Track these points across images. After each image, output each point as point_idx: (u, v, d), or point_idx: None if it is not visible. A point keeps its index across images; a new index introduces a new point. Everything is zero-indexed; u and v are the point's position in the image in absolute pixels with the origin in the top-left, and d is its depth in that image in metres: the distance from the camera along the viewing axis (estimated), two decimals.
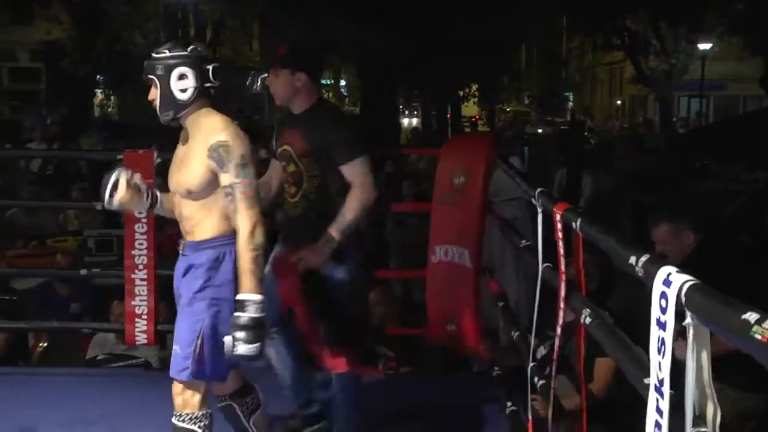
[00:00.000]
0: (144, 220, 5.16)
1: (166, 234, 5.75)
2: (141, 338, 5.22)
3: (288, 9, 16.34)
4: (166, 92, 3.34)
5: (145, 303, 5.16)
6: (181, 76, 3.32)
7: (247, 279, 3.20)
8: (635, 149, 12.76)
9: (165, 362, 5.84)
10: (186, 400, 3.45)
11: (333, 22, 15.69)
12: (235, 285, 3.31)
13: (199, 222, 3.35)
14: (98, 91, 27.57)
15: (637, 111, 42.02)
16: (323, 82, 31.82)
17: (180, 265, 3.45)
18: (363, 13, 14.93)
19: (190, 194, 3.33)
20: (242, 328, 3.15)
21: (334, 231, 3.80)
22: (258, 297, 3.19)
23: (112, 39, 23.71)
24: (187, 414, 3.45)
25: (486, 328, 4.60)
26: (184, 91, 3.34)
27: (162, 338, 5.49)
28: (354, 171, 3.86)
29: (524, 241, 4.03)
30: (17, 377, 5.26)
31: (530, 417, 3.67)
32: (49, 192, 10.39)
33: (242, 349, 3.15)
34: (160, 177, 5.41)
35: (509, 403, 4.23)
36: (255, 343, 3.17)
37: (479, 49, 18.70)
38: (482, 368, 4.97)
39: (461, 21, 16.41)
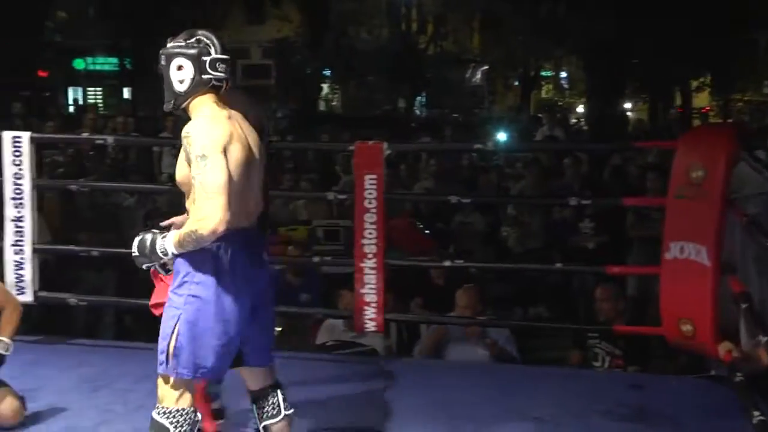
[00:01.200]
0: (374, 210, 5.24)
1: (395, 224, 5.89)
2: (370, 326, 5.33)
3: (512, 1, 16.24)
4: (168, 82, 3.38)
5: (374, 291, 5.25)
6: (179, 67, 3.34)
7: (172, 234, 3.24)
8: None
9: (391, 350, 5.99)
10: (163, 393, 3.38)
11: (560, 13, 15.45)
12: (220, 282, 3.27)
13: (189, 215, 3.32)
14: (324, 86, 28.45)
15: None
16: (544, 74, 31.54)
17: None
18: (593, 2, 14.63)
19: (181, 186, 3.33)
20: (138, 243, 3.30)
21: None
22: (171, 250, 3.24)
23: (338, 35, 24.48)
24: (163, 408, 3.36)
25: (725, 330, 4.40)
26: (181, 81, 3.35)
27: (388, 327, 5.64)
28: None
29: None
30: None
31: None
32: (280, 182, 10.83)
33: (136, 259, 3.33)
34: (389, 168, 5.55)
35: (757, 413, 4.01)
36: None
37: (711, 34, 17.80)
38: (721, 372, 4.73)
39: (692, 6, 15.69)
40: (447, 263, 5.92)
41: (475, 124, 21.77)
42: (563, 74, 34.28)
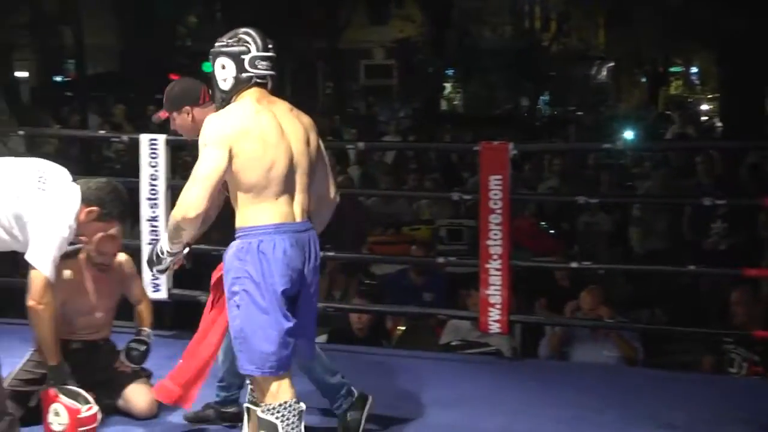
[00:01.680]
0: (499, 211, 5.22)
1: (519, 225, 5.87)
2: (494, 327, 5.30)
3: None
4: (214, 81, 3.46)
5: (499, 292, 5.22)
6: (223, 66, 3.42)
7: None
8: None
9: (516, 351, 5.96)
10: (260, 392, 3.42)
11: (692, 5, 14.95)
12: (264, 275, 3.28)
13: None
14: (447, 85, 28.47)
15: None
16: (673, 69, 30.64)
17: None
18: None
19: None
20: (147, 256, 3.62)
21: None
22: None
23: (461, 34, 24.45)
24: (266, 405, 3.38)
25: None
26: (225, 80, 3.43)
27: (513, 328, 5.61)
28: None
29: None
30: (380, 357, 5.53)
31: None
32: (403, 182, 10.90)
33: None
34: (513, 168, 5.52)
35: None
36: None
37: None
38: None
39: None
40: (574, 264, 5.86)
41: (599, 123, 21.41)
42: (694, 69, 33.31)
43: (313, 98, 28.77)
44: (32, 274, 3.62)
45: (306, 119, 3.49)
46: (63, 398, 3.72)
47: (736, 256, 7.10)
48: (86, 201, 3.81)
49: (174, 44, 23.10)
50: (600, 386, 4.93)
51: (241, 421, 3.87)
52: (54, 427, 3.72)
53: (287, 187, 3.35)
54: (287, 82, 29.41)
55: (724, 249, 7.53)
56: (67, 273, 4.15)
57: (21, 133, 8.40)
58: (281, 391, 3.37)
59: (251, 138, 3.27)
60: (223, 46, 3.43)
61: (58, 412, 3.73)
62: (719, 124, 19.94)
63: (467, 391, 4.85)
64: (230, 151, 3.25)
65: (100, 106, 17.54)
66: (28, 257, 3.63)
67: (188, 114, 3.96)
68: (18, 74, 21.05)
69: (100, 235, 4.02)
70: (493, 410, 4.57)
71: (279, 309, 3.31)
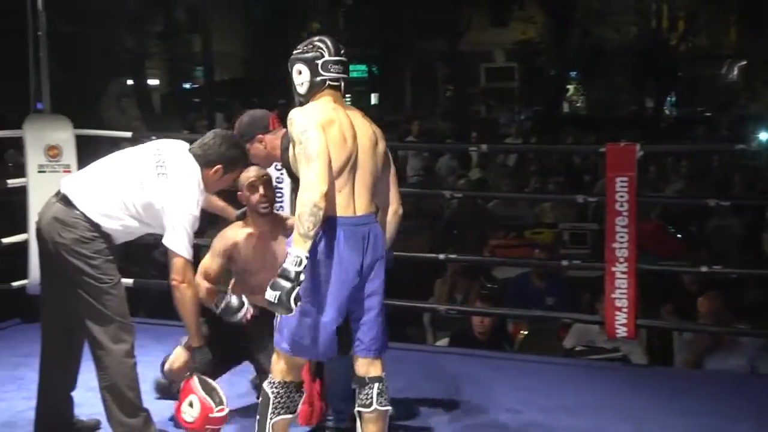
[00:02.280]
0: (625, 213, 5.17)
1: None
2: (621, 331, 5.24)
3: None
4: (293, 88, 3.60)
5: (626, 296, 5.17)
6: (299, 72, 3.57)
7: (291, 240, 3.33)
8: None
9: (643, 357, 5.85)
10: (274, 366, 3.57)
11: None
12: (316, 266, 3.38)
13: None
14: (569, 87, 28.15)
15: None
16: None
17: None
18: None
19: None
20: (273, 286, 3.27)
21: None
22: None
23: (584, 34, 24.14)
24: (271, 379, 3.55)
25: None
26: (301, 84, 3.56)
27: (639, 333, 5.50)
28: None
29: None
30: (500, 361, 5.55)
31: None
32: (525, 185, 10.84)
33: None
34: (640, 171, 5.42)
35: None
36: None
37: None
38: None
39: None
40: (704, 269, 5.72)
41: (729, 123, 20.79)
42: None
43: (433, 101, 28.96)
44: (170, 256, 3.77)
45: (376, 128, 3.62)
46: (200, 391, 3.84)
47: None
48: (206, 163, 3.90)
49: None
50: (733, 396, 4.81)
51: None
52: (185, 416, 3.85)
53: (350, 182, 3.47)
54: (407, 85, 29.67)
55: None
56: (247, 241, 4.27)
57: (153, 138, 8.71)
58: (290, 371, 3.54)
59: (335, 127, 3.42)
60: (299, 53, 3.59)
61: (192, 404, 3.84)
62: None
63: (592, 397, 4.83)
64: (325, 133, 3.38)
65: (226, 111, 18.09)
66: (165, 242, 3.78)
67: (261, 142, 4.10)
68: (150, 82, 21.90)
69: (244, 185, 4.15)
70: (620, 417, 4.52)
71: (338, 298, 3.45)
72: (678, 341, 6.08)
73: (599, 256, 5.44)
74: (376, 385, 3.59)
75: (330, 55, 3.56)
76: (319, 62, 3.55)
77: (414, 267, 7.45)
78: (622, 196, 5.17)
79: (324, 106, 3.50)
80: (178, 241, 3.75)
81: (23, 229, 5.87)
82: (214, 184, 3.97)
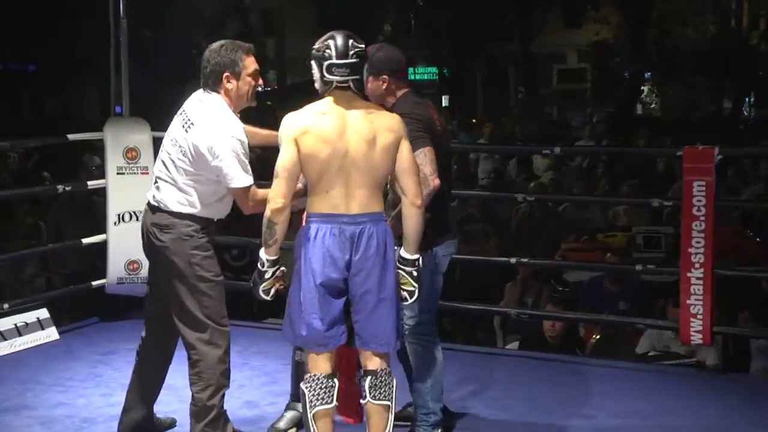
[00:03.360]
0: (702, 218, 5.10)
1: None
2: (696, 338, 5.17)
3: None
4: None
5: (701, 302, 5.10)
6: (313, 69, 3.71)
7: None
8: None
9: (718, 365, 5.75)
10: (306, 362, 3.73)
11: None
12: (305, 261, 3.57)
13: None
14: (644, 88, 27.81)
15: None
16: None
17: None
18: None
19: None
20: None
21: (392, 218, 3.88)
22: None
23: (660, 35, 23.82)
24: (306, 375, 3.70)
25: None
26: (316, 81, 3.72)
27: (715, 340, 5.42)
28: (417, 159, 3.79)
29: None
30: (572, 365, 5.50)
31: None
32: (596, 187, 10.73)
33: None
34: (718, 174, 5.34)
35: None
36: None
37: None
38: None
39: None
40: None
41: None
42: None
43: (505, 103, 28.86)
44: (235, 195, 3.85)
45: (384, 122, 3.66)
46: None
47: None
48: (228, 73, 3.90)
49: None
50: None
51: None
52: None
53: (341, 182, 3.57)
54: (479, 86, 29.63)
55: None
56: None
57: None
58: (315, 364, 3.66)
59: (311, 135, 3.56)
60: (314, 49, 3.69)
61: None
62: None
63: (666, 402, 4.79)
64: (297, 146, 3.56)
65: None
66: (229, 187, 3.83)
67: (383, 82, 4.06)
68: None
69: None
70: (693, 423, 4.49)
71: (315, 290, 3.57)
72: (755, 348, 5.97)
73: (674, 261, 5.37)
74: (369, 378, 3.67)
75: (336, 58, 3.61)
76: (325, 64, 3.63)
77: (484, 270, 7.46)
78: (699, 200, 5.11)
79: (315, 110, 3.64)
80: (234, 176, 3.78)
81: (102, 230, 6.02)
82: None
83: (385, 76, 4.04)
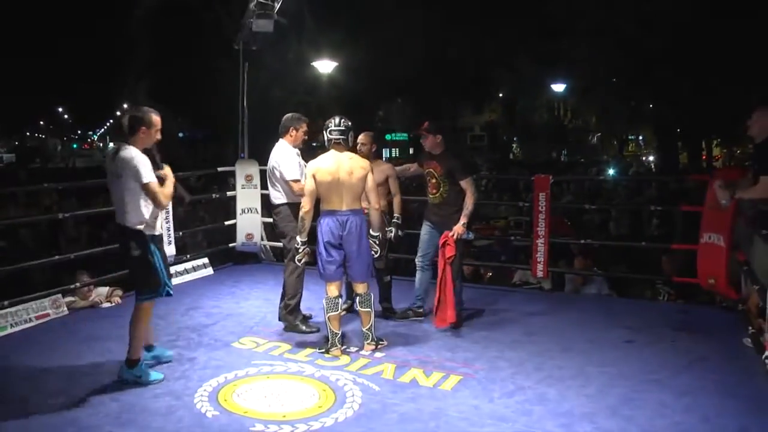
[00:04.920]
0: (543, 212, 4.93)
1: None
2: (540, 274, 4.91)
3: None
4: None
5: (542, 255, 4.86)
6: (323, 134, 3.54)
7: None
8: None
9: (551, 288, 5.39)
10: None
11: None
12: (320, 233, 3.42)
13: None
14: (513, 145, 27.81)
15: None
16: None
17: None
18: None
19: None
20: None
21: (464, 216, 3.80)
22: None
23: (522, 118, 23.73)
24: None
25: (736, 282, 4.10)
26: (324, 141, 3.57)
27: None
28: (466, 184, 3.84)
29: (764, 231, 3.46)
30: (478, 290, 5.08)
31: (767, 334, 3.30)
32: None
33: None
34: (552, 190, 4.99)
35: (750, 328, 3.79)
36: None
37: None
38: (730, 304, 4.42)
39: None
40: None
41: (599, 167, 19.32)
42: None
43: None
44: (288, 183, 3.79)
45: (358, 163, 3.51)
46: None
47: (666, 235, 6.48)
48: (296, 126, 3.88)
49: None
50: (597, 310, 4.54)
51: (420, 316, 4.10)
52: None
53: (337, 194, 3.50)
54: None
55: None
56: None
57: None
58: (329, 289, 3.57)
59: (321, 172, 3.50)
60: (324, 124, 3.57)
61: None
62: None
63: (523, 308, 4.53)
64: (314, 177, 3.50)
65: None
66: (286, 180, 3.81)
67: (436, 137, 3.99)
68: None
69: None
70: (538, 317, 4.33)
71: (325, 249, 3.50)
72: (567, 279, 5.66)
73: (529, 234, 5.09)
74: (358, 297, 3.59)
75: (334, 127, 3.51)
76: (328, 131, 3.54)
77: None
78: (542, 203, 4.84)
79: (324, 157, 3.53)
80: (288, 174, 3.82)
81: (234, 217, 5.93)
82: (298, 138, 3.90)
83: (440, 137, 4.05)
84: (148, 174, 3.07)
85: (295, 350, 3.76)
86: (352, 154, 3.60)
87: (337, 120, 3.55)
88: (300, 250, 3.57)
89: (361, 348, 3.66)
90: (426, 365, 3.51)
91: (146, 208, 3.13)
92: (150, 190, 3.07)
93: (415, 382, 3.31)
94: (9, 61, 22.44)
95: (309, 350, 3.74)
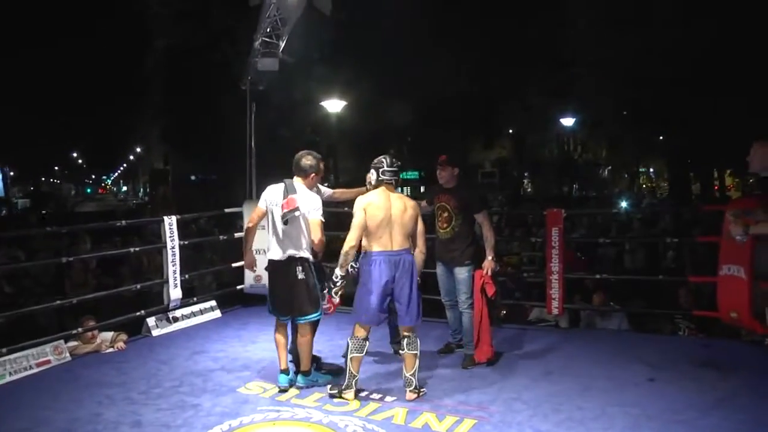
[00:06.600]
0: (557, 247, 4.86)
1: None
2: (555, 311, 4.89)
3: None
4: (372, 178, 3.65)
5: (557, 292, 4.84)
6: (372, 173, 3.62)
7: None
8: None
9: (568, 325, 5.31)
10: (354, 330, 3.52)
11: None
12: (370, 274, 3.40)
13: None
14: (525, 181, 27.94)
15: None
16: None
17: None
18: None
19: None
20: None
21: (491, 250, 3.84)
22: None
23: (533, 155, 23.94)
24: (351, 335, 3.51)
25: (760, 314, 3.96)
26: (373, 180, 3.64)
27: None
28: (483, 217, 3.88)
29: None
30: (498, 329, 4.77)
31: None
32: None
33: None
34: (564, 225, 4.94)
35: None
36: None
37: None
38: (755, 338, 4.32)
39: None
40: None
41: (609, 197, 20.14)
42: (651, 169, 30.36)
43: None
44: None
45: (409, 203, 3.56)
46: None
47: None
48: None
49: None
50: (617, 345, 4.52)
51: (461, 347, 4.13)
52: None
53: (387, 233, 3.48)
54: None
55: None
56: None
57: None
58: (359, 332, 3.53)
59: (373, 207, 3.49)
60: (374, 162, 3.64)
61: None
62: None
63: (540, 346, 4.50)
64: (365, 212, 3.48)
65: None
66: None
67: (454, 169, 4.06)
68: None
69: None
70: (556, 353, 4.32)
71: (374, 292, 3.45)
72: (583, 315, 5.56)
73: (542, 270, 5.09)
74: (405, 339, 3.57)
75: (387, 167, 3.59)
76: (380, 170, 3.60)
77: None
78: (555, 238, 4.79)
79: (375, 194, 3.54)
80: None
81: (242, 258, 5.87)
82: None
83: (457, 169, 4.06)
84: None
85: (303, 395, 3.73)
86: (402, 195, 3.65)
87: (389, 160, 3.61)
88: (338, 284, 3.53)
89: (384, 396, 3.60)
90: (439, 409, 3.45)
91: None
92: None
93: (427, 427, 3.24)
94: (26, 108, 23.05)
95: (317, 395, 3.71)
